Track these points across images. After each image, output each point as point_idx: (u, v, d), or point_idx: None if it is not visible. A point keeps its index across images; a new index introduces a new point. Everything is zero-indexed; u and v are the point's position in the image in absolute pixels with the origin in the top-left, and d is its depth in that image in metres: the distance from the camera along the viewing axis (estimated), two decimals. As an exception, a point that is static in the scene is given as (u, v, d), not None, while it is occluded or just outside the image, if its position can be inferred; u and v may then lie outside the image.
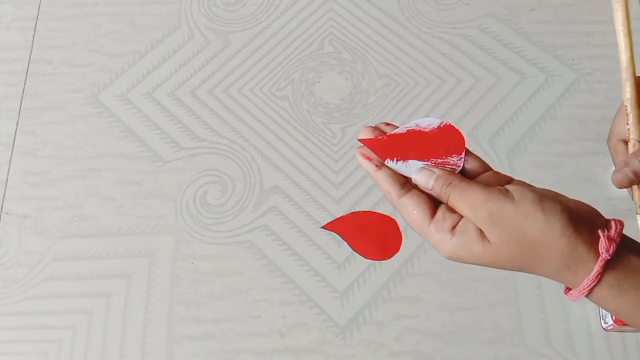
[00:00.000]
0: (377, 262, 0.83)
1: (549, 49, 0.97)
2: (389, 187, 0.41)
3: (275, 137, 0.92)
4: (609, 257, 0.35)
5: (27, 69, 0.98)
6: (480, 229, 0.37)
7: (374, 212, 0.92)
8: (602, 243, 0.35)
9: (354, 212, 0.90)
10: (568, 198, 0.38)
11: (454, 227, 0.38)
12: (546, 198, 0.37)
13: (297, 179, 0.88)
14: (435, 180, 0.39)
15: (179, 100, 0.95)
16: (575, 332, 0.77)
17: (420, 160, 0.41)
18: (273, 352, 0.78)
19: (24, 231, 0.86)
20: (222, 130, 0.92)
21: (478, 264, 0.38)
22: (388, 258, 0.91)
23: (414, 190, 0.40)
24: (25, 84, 0.97)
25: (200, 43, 1.00)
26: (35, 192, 0.89)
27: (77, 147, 0.92)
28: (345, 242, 0.90)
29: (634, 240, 0.38)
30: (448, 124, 0.43)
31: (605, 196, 0.86)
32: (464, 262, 0.39)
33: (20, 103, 0.96)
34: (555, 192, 0.38)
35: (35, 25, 1.02)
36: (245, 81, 0.96)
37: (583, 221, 0.36)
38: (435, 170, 0.40)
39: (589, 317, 0.78)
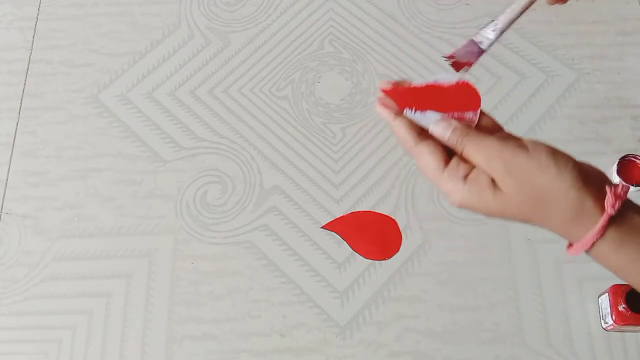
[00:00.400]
0: (377, 262, 0.83)
1: (549, 49, 0.97)
2: (406, 135, 0.42)
3: (275, 137, 0.92)
4: (614, 214, 0.36)
5: (27, 69, 0.98)
6: (493, 179, 0.38)
7: (374, 212, 0.92)
8: (609, 199, 0.36)
9: (354, 212, 0.90)
10: (580, 162, 0.39)
11: (467, 175, 0.39)
12: (558, 152, 0.38)
13: (297, 179, 0.88)
14: (452, 131, 0.41)
15: (179, 100, 0.95)
16: (575, 332, 0.77)
17: (437, 112, 0.43)
18: (273, 352, 0.78)
19: (24, 231, 0.86)
20: (222, 130, 0.92)
21: (488, 214, 0.40)
22: (388, 258, 0.91)
23: (429, 140, 0.41)
24: (25, 84, 0.97)
25: (200, 43, 1.00)
26: (35, 192, 0.89)
27: (77, 147, 0.92)
28: (345, 242, 0.91)
29: (638, 205, 0.39)
30: (466, 81, 0.44)
31: (605, 196, 0.86)
32: (474, 211, 0.40)
33: (20, 103, 0.96)
34: (565, 152, 0.39)
35: (35, 25, 1.02)
36: (245, 81, 0.96)
37: (592, 178, 0.38)
38: (452, 122, 0.41)
39: (589, 317, 0.78)
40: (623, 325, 0.72)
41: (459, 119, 0.42)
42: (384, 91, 0.43)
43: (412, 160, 0.89)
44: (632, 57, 0.96)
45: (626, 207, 0.37)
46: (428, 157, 0.41)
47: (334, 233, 0.85)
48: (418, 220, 0.85)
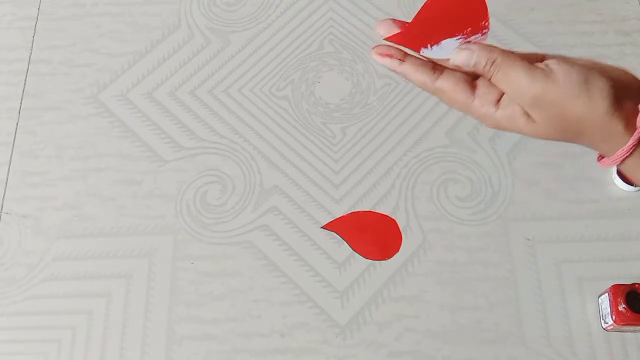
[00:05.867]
0: (377, 262, 0.83)
1: (549, 49, 0.97)
2: (422, 77, 0.40)
3: (275, 137, 0.92)
4: None
5: (27, 69, 0.98)
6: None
7: (374, 212, 0.92)
8: None
9: (354, 212, 0.90)
10: (612, 68, 0.38)
11: (498, 100, 0.38)
12: (592, 77, 0.37)
13: (297, 179, 0.88)
14: (475, 60, 0.38)
15: (179, 100, 0.95)
16: (575, 332, 0.77)
17: (452, 38, 0.39)
18: (273, 352, 0.78)
19: (24, 231, 0.86)
20: (222, 130, 0.92)
21: (521, 134, 0.39)
22: (388, 258, 0.91)
23: (447, 71, 0.39)
24: (25, 84, 0.97)
25: (200, 43, 1.00)
26: (35, 192, 0.89)
27: (77, 147, 0.92)
28: (345, 242, 0.91)
29: None
30: None
31: (605, 196, 0.86)
32: (507, 131, 0.39)
33: (20, 103, 0.96)
34: (601, 65, 0.38)
35: (35, 25, 1.02)
36: (245, 81, 0.96)
37: (626, 96, 0.37)
38: (472, 47, 0.38)
39: (589, 317, 0.78)
40: (623, 325, 0.72)
41: (474, 31, 0.39)
42: (391, 39, 0.40)
43: (412, 160, 0.89)
44: (632, 57, 0.96)
45: None
46: (453, 90, 0.39)
47: (334, 233, 0.85)
48: (418, 220, 0.85)
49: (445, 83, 0.39)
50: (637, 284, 0.72)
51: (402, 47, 0.40)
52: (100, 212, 0.87)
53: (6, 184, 0.89)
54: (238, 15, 1.02)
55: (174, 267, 0.83)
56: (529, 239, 0.83)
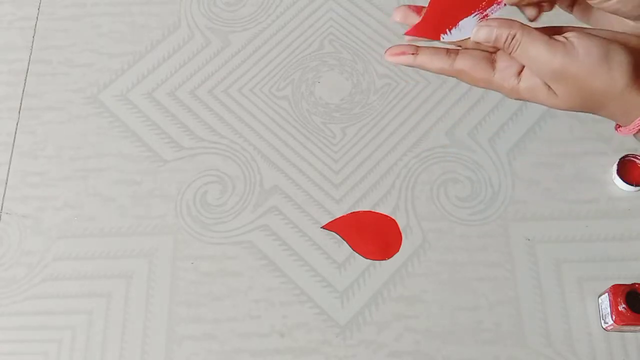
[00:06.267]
0: (377, 262, 0.83)
1: (549, 49, 0.97)
2: (439, 63, 0.40)
3: (275, 137, 0.92)
4: None
5: (27, 69, 0.98)
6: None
7: (374, 212, 0.92)
8: None
9: (354, 212, 0.90)
10: (633, 38, 0.38)
11: (520, 72, 0.39)
12: (612, 51, 0.37)
13: (297, 179, 0.88)
14: (496, 35, 0.38)
15: (179, 100, 0.95)
16: (575, 332, 0.77)
17: (469, 17, 0.39)
18: (273, 352, 0.78)
19: (24, 231, 0.86)
20: (222, 130, 0.92)
21: (543, 105, 0.40)
22: (388, 258, 0.91)
23: (462, 52, 0.40)
24: (25, 84, 0.97)
25: (200, 43, 1.00)
26: (35, 192, 0.89)
27: (77, 147, 0.92)
28: (345, 242, 0.91)
29: None
30: None
31: (605, 196, 0.86)
32: (530, 102, 0.40)
33: (20, 103, 0.96)
34: (622, 36, 0.38)
35: (35, 25, 1.02)
36: (245, 81, 0.96)
37: None
38: (491, 22, 0.39)
39: (589, 317, 0.78)
40: (623, 325, 0.72)
41: (489, 3, 0.39)
42: (412, 33, 0.40)
43: (412, 160, 0.89)
44: (632, 57, 0.96)
45: None
46: (473, 68, 0.39)
47: (334, 233, 0.85)
48: (418, 220, 0.85)
49: (464, 63, 0.39)
50: (637, 284, 0.72)
51: (417, 40, 0.40)
52: (100, 212, 0.87)
53: (6, 184, 0.89)
54: (238, 15, 1.02)
55: (174, 267, 0.83)
56: (529, 239, 0.83)
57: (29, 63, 0.99)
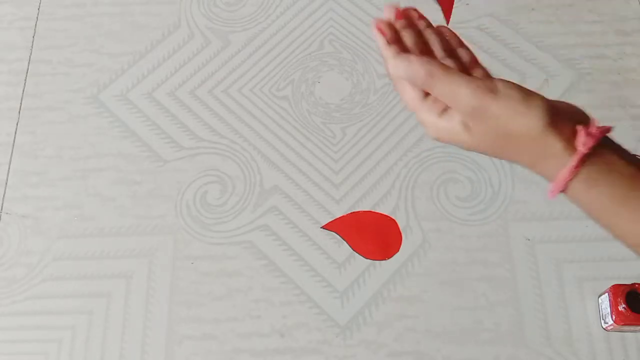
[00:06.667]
0: (377, 262, 0.83)
1: (549, 49, 0.97)
2: (393, 63, 0.40)
3: (275, 137, 0.92)
4: (586, 152, 0.36)
5: (27, 69, 0.98)
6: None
7: (374, 212, 0.92)
8: (581, 137, 0.36)
9: (354, 212, 0.90)
10: (559, 100, 0.38)
11: (445, 109, 0.39)
12: (531, 95, 0.37)
13: (297, 179, 0.88)
14: (415, 74, 0.38)
15: (179, 100, 0.95)
16: (575, 332, 0.77)
17: None
18: (273, 352, 0.78)
19: (24, 231, 0.86)
20: (222, 130, 0.92)
21: (459, 146, 0.40)
22: (388, 258, 0.91)
23: (413, 58, 0.40)
24: (25, 84, 0.97)
25: (200, 43, 1.00)
26: (35, 192, 0.89)
27: (77, 147, 0.92)
28: (345, 242, 0.91)
29: (620, 146, 0.38)
30: None
31: (605, 196, 0.86)
32: (449, 144, 0.40)
33: (20, 103, 0.96)
34: (544, 96, 0.38)
35: (35, 25, 1.02)
36: (245, 81, 0.96)
37: (566, 118, 0.37)
38: (410, 57, 0.39)
39: (589, 317, 0.78)
40: (623, 325, 0.73)
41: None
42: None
43: (412, 160, 0.89)
44: (632, 57, 0.96)
45: (603, 147, 0.37)
46: (408, 88, 0.40)
47: (334, 233, 0.85)
48: (418, 220, 0.85)
49: (405, 70, 0.39)
50: (637, 284, 0.72)
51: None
52: (100, 212, 0.87)
53: (6, 184, 0.89)
54: (238, 15, 1.02)
55: (174, 267, 0.83)
56: (529, 239, 0.83)
57: (29, 63, 0.99)
